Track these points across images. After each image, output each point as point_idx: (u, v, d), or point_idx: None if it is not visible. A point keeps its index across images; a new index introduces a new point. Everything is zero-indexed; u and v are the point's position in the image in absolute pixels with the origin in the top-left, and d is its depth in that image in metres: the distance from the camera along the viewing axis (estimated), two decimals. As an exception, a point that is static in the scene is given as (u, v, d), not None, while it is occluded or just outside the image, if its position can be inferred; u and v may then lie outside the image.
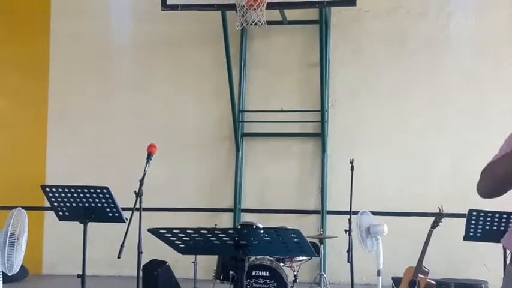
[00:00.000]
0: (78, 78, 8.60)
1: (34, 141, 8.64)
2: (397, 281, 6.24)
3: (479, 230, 4.35)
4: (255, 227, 5.12)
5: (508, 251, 2.38)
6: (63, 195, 4.55)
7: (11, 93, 8.75)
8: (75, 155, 8.44)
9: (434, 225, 5.53)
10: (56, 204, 4.61)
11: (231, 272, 5.59)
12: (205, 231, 2.63)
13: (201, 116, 8.38)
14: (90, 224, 4.61)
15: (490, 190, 2.15)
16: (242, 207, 8.15)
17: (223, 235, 2.63)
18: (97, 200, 4.53)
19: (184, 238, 2.66)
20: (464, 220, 4.96)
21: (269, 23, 6.86)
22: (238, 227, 6.62)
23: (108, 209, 4.57)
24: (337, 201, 7.67)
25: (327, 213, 7.87)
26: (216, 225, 6.31)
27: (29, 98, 8.70)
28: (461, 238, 5.07)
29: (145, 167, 4.50)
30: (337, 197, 7.70)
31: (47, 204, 4.79)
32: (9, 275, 3.84)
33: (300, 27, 8.22)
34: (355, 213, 5.78)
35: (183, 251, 2.80)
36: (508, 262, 2.45)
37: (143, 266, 5.17)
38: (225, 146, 8.32)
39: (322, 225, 7.68)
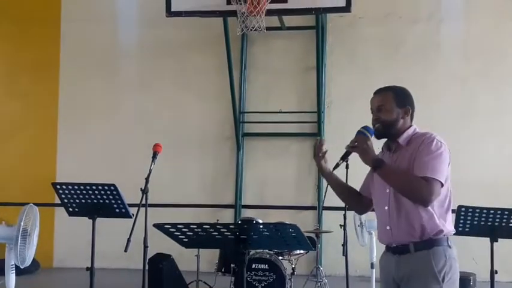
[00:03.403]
0: (86, 81, 8.59)
1: (45, 141, 8.64)
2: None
3: (468, 225, 4.33)
4: (254, 222, 5.12)
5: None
6: (72, 192, 4.54)
7: (23, 96, 8.72)
8: (84, 154, 8.44)
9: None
10: (66, 200, 4.60)
11: (232, 265, 5.59)
12: (208, 226, 2.64)
13: (204, 117, 8.38)
14: (98, 220, 4.60)
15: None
16: (243, 204, 8.15)
17: (225, 230, 2.64)
18: (105, 197, 4.52)
19: (187, 233, 2.67)
20: (453, 216, 4.94)
21: (268, 28, 6.85)
22: (239, 222, 6.63)
23: (115, 205, 4.57)
24: (333, 198, 7.58)
25: (323, 209, 7.83)
26: (218, 220, 6.30)
27: (40, 100, 8.70)
28: (450, 233, 5.04)
29: (151, 165, 4.51)
30: (333, 193, 7.63)
31: (58, 201, 4.79)
32: (22, 267, 3.83)
33: (298, 33, 8.22)
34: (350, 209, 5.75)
35: (186, 245, 2.80)
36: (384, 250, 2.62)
37: (149, 259, 5.17)
38: (226, 145, 8.31)
39: (319, 220, 7.66)
